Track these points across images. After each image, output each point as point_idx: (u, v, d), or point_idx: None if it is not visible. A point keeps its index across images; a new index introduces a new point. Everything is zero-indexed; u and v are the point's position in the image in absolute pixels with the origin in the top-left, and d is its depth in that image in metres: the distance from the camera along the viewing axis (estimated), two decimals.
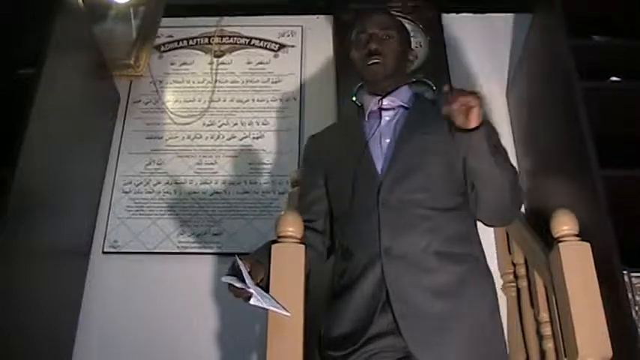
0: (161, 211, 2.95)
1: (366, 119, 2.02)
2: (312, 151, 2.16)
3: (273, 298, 1.71)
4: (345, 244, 1.90)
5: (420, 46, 3.16)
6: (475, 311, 1.75)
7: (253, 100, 3.23)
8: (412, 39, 3.09)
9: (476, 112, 1.66)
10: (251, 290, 1.63)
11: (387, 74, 1.99)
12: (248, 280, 1.64)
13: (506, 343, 1.85)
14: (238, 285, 1.64)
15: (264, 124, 3.15)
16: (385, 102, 2.00)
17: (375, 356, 1.73)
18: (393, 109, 2.00)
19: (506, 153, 1.83)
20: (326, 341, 1.84)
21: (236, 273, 1.68)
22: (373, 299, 1.76)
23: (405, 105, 2.01)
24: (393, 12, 3.17)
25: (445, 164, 1.88)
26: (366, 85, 2.09)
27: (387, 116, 1.99)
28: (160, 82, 3.30)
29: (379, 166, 1.89)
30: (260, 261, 1.77)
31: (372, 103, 2.02)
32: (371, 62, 1.97)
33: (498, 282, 2.55)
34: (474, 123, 1.68)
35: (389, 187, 1.84)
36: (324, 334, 1.86)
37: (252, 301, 1.65)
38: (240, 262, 1.67)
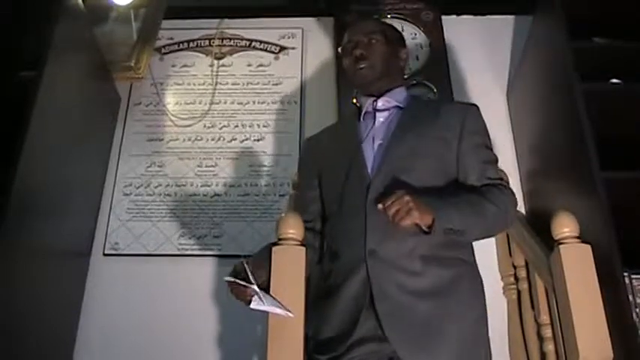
0: (162, 213, 2.95)
1: (362, 120, 2.03)
2: (308, 153, 2.18)
3: (275, 299, 1.71)
4: (333, 245, 1.90)
5: (421, 48, 3.17)
6: (462, 313, 1.74)
7: (254, 103, 3.23)
8: (412, 41, 3.12)
9: (412, 220, 1.65)
10: (255, 288, 1.64)
11: (375, 76, 2.00)
12: (253, 280, 1.64)
13: (490, 349, 1.83)
14: (243, 283, 1.64)
15: (264, 126, 3.15)
16: (380, 103, 2.00)
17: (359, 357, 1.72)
18: (388, 109, 2.00)
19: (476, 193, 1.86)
20: (313, 344, 1.83)
21: (237, 275, 1.68)
22: (357, 301, 1.75)
23: (400, 105, 2.01)
24: (394, 14, 3.21)
25: (436, 167, 1.88)
26: (359, 90, 2.10)
27: (381, 117, 1.99)
28: (161, 84, 3.30)
29: (370, 166, 1.89)
30: (261, 263, 1.77)
31: (367, 104, 2.02)
32: (358, 68, 1.99)
33: (499, 284, 2.55)
34: (425, 225, 1.68)
35: (377, 188, 1.82)
36: (311, 337, 1.84)
37: (252, 305, 1.65)
38: (246, 265, 1.67)
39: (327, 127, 2.24)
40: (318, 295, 1.90)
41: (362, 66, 1.99)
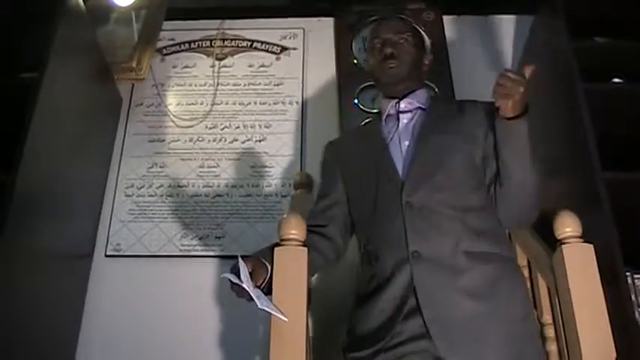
0: (163, 214, 2.95)
1: (384, 123, 2.03)
2: (330, 157, 2.16)
3: (270, 301, 1.70)
4: (371, 248, 1.89)
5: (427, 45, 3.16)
6: (509, 314, 1.73)
7: (255, 103, 3.23)
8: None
9: (516, 102, 1.70)
10: (249, 289, 1.63)
11: (403, 76, 2.01)
12: (247, 282, 1.63)
13: (542, 344, 1.84)
14: (235, 280, 1.64)
15: (266, 126, 3.15)
16: (402, 104, 2.01)
17: (405, 357, 1.70)
18: (411, 111, 2.01)
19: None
20: (349, 342, 1.83)
21: (237, 272, 1.67)
22: (400, 301, 1.74)
23: (423, 106, 2.02)
24: (396, 14, 3.20)
25: (467, 163, 1.88)
26: (383, 89, 2.09)
27: (404, 119, 2.00)
28: (162, 85, 3.30)
29: (400, 168, 1.89)
30: (263, 261, 1.77)
31: (389, 107, 2.03)
32: (388, 66, 1.99)
33: None
34: (512, 112, 1.72)
35: (411, 188, 1.83)
36: (346, 337, 1.85)
37: (259, 305, 1.64)
38: (241, 262, 1.66)
39: (348, 131, 2.26)
40: (360, 300, 1.88)
41: (392, 65, 1.99)
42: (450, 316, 1.69)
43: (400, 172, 1.88)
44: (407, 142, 1.94)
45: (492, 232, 1.85)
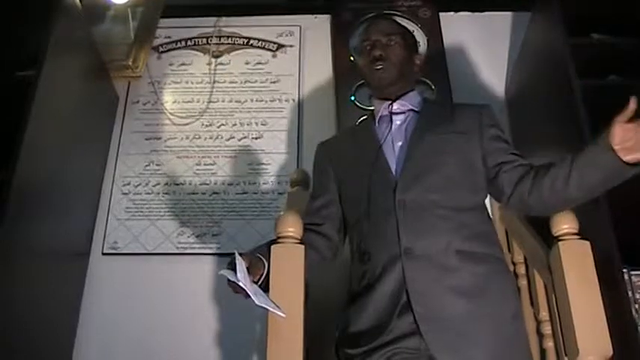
0: (160, 212, 2.95)
1: (377, 124, 2.03)
2: (323, 158, 2.15)
3: (268, 297, 1.70)
4: (363, 246, 1.88)
5: (419, 45, 3.16)
6: (498, 313, 1.74)
7: (252, 101, 3.23)
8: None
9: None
10: (246, 287, 1.62)
11: (392, 79, 1.99)
12: (244, 278, 1.63)
13: (529, 342, 1.85)
14: (232, 279, 1.63)
15: (262, 124, 3.15)
16: (395, 106, 2.00)
17: (396, 356, 1.71)
18: (404, 112, 2.01)
19: None
20: (343, 339, 1.84)
21: (234, 268, 1.67)
22: (393, 299, 1.74)
23: (415, 109, 2.01)
24: (391, 12, 3.20)
25: (462, 163, 1.88)
26: (374, 91, 2.09)
27: (397, 120, 2.00)
28: (159, 82, 3.30)
29: (393, 168, 1.90)
30: (260, 257, 1.77)
31: (382, 108, 2.02)
32: (376, 68, 1.98)
33: None
34: (631, 159, 1.64)
35: (405, 187, 1.83)
36: (340, 333, 1.86)
37: (257, 302, 1.64)
38: (238, 258, 1.66)
39: (340, 132, 2.26)
40: (352, 297, 1.89)
41: (379, 67, 1.98)
42: (440, 314, 1.70)
43: (394, 171, 1.89)
44: (400, 143, 1.94)
45: (485, 233, 1.87)
